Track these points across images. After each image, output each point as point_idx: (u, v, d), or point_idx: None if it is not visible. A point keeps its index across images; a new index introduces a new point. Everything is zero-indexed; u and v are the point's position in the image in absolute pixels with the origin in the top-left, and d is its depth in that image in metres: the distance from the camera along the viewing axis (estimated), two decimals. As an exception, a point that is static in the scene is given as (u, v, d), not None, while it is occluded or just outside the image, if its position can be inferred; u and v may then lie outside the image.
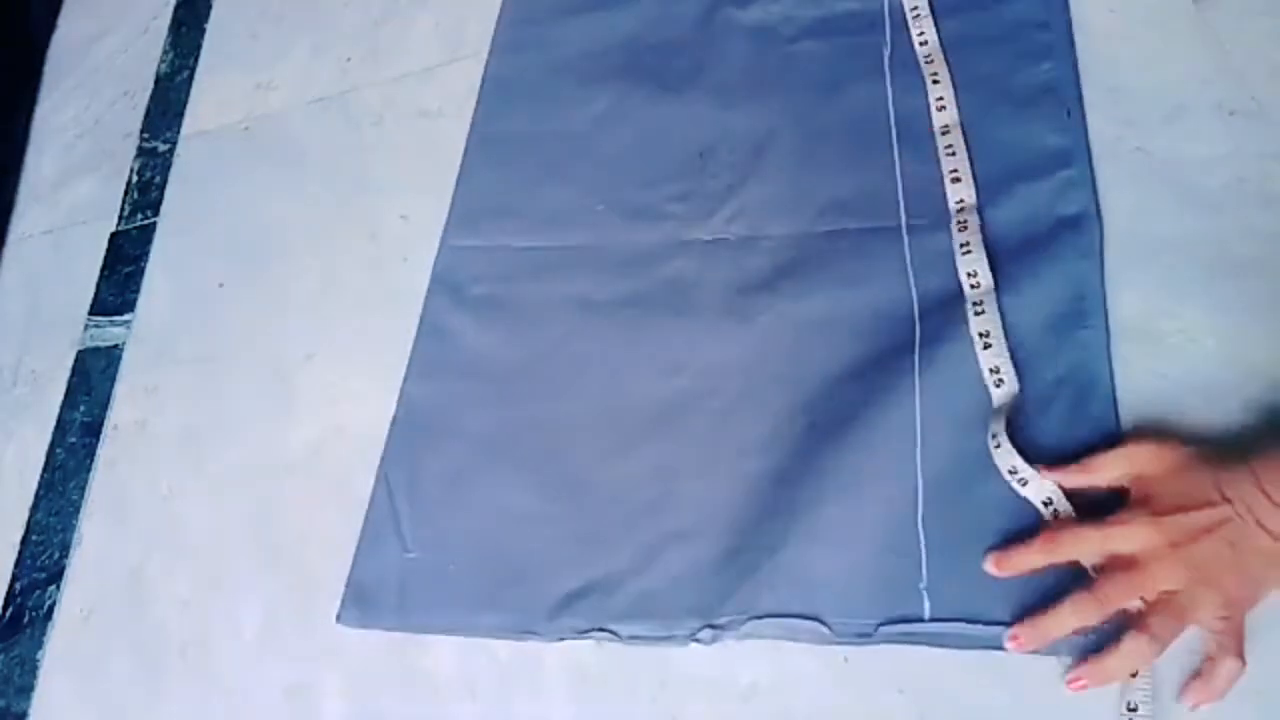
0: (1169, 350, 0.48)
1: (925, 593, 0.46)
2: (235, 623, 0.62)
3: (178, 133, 0.88)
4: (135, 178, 0.88)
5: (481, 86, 0.73)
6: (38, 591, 0.70)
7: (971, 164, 0.55)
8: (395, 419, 0.62)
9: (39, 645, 0.68)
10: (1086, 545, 0.43)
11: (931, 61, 0.59)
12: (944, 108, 0.58)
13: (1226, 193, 0.51)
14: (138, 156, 0.89)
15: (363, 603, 0.57)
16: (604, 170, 0.65)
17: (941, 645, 0.45)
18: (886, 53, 0.61)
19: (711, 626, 0.49)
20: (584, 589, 0.52)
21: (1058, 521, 0.45)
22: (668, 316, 0.59)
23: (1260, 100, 0.52)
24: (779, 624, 0.48)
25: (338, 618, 0.57)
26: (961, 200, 0.55)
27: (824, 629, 0.47)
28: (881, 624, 0.46)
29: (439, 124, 0.75)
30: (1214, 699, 0.41)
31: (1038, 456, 0.46)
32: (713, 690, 0.49)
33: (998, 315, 0.50)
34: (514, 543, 0.55)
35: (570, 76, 0.70)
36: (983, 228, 0.53)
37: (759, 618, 0.48)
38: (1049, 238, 0.52)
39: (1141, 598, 0.41)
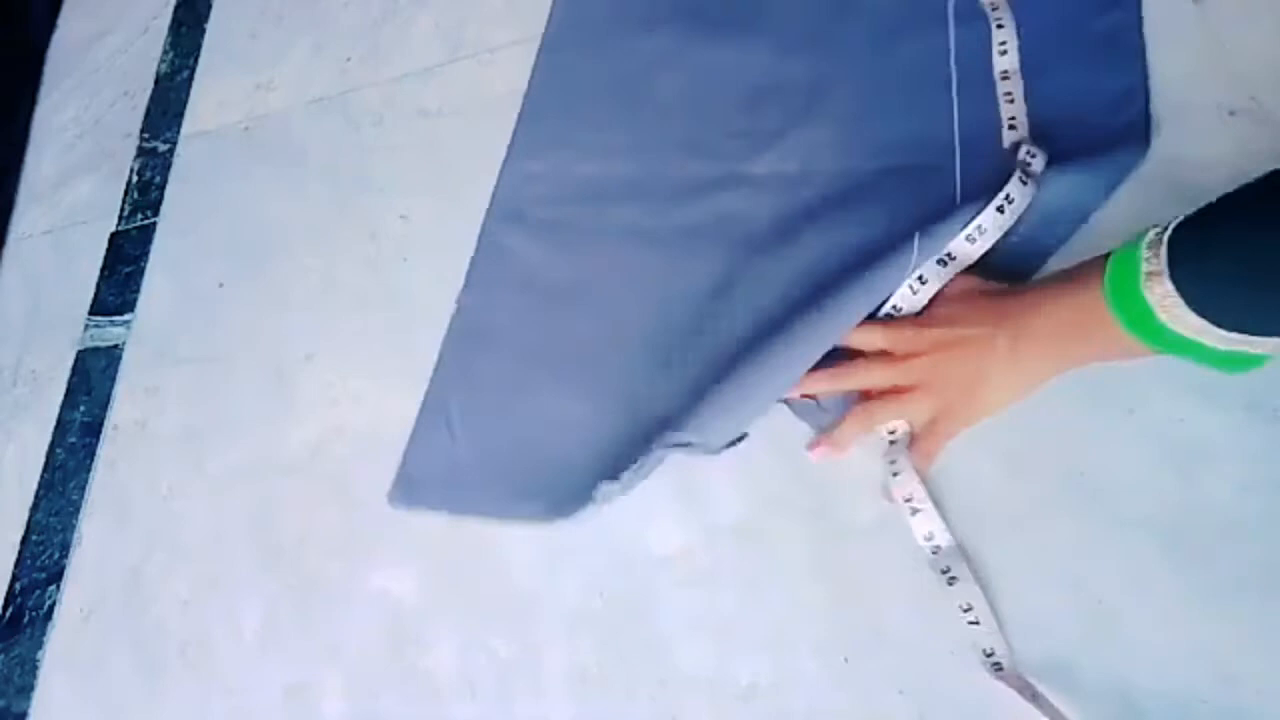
0: (1169, 350, 0.48)
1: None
2: (235, 623, 0.62)
3: (178, 133, 0.88)
4: (135, 178, 0.88)
5: (550, 16, 0.74)
6: (38, 591, 0.70)
7: (1028, 111, 0.56)
8: (451, 326, 0.65)
9: (39, 645, 0.68)
10: (866, 336, 0.50)
11: (996, 8, 0.59)
12: (1005, 52, 0.58)
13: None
14: (138, 156, 0.89)
15: (412, 487, 0.61)
16: (665, 105, 0.67)
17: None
18: (950, 1, 0.61)
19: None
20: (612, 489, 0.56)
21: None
22: (717, 247, 0.61)
23: (1260, 100, 0.51)
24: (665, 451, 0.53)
25: (388, 498, 0.61)
26: (1018, 141, 0.55)
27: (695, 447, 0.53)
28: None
29: (439, 124, 0.75)
30: (831, 451, 0.50)
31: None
32: (713, 690, 0.49)
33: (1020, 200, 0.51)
34: (553, 442, 0.59)
35: (635, 14, 0.72)
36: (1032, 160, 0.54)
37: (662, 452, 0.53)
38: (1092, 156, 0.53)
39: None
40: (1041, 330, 0.44)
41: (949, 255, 0.51)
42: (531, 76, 0.73)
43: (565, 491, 0.56)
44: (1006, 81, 0.57)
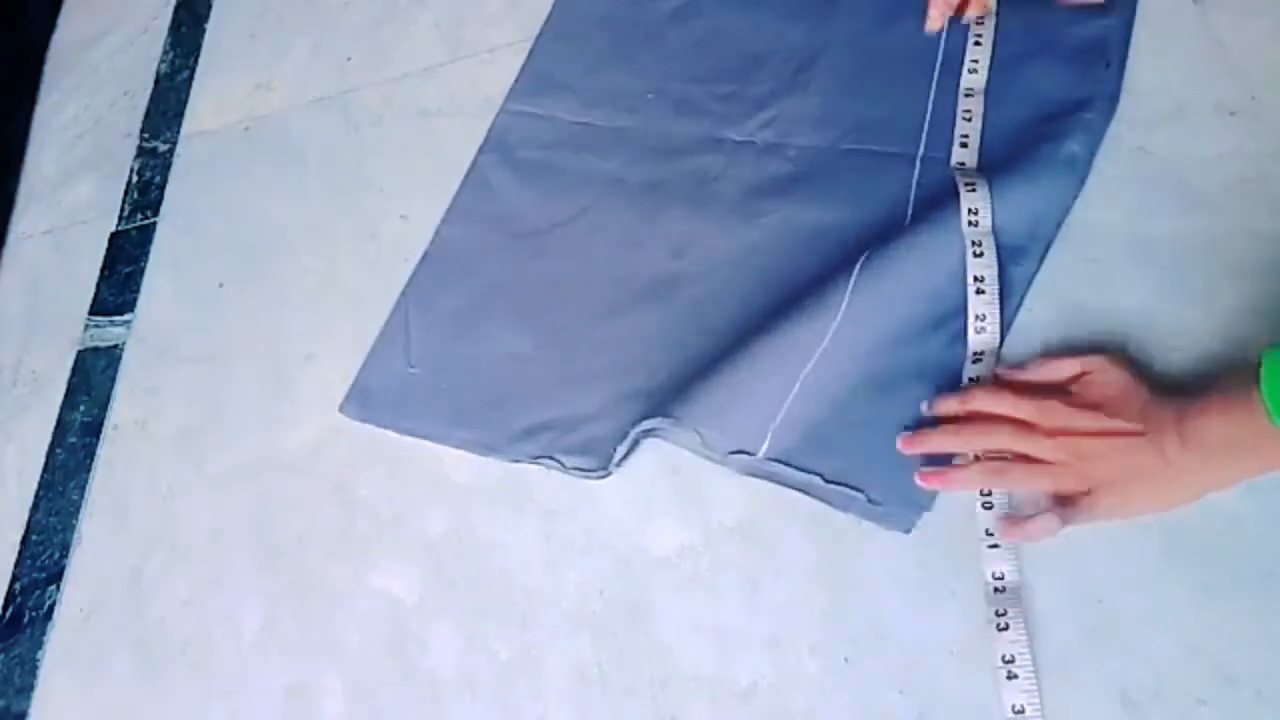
0: (1169, 351, 0.48)
1: (770, 435, 0.52)
2: (235, 622, 0.62)
3: (178, 133, 0.88)
4: (135, 178, 0.88)
5: None
6: (38, 591, 0.70)
7: (983, 134, 0.56)
8: (426, 253, 0.68)
9: (39, 645, 0.68)
10: (1009, 404, 0.47)
11: (981, 22, 0.60)
12: (975, 71, 0.59)
13: (1226, 193, 0.51)
14: (138, 156, 0.89)
15: (364, 401, 0.65)
16: (664, 62, 0.69)
17: (781, 483, 0.51)
18: None
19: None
20: (547, 424, 0.58)
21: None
22: (685, 205, 0.63)
23: (1260, 100, 0.52)
24: (666, 429, 0.54)
25: (339, 409, 0.65)
26: (962, 163, 0.56)
27: (697, 438, 0.53)
28: (732, 452, 0.52)
29: (439, 124, 0.75)
30: (1021, 539, 0.46)
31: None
32: (713, 690, 0.49)
33: (995, 260, 0.51)
34: (501, 376, 0.61)
35: None
36: (986, 175, 0.54)
37: (652, 431, 0.55)
38: (1041, 171, 0.53)
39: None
40: (1210, 444, 0.42)
41: (977, 354, 0.50)
42: (546, 21, 0.74)
43: (501, 424, 0.59)
44: (969, 99, 0.58)
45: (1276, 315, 0.47)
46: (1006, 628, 0.44)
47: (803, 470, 0.51)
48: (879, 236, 0.55)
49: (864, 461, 0.50)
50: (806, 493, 0.51)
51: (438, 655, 0.56)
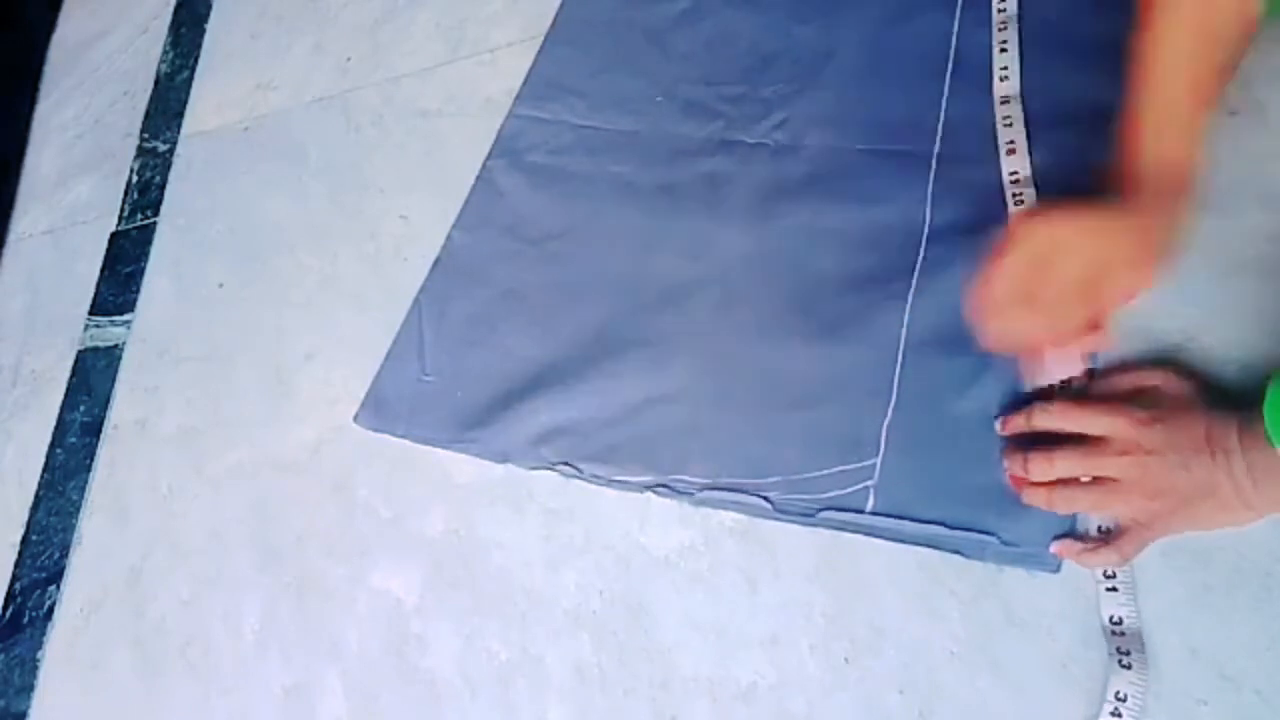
0: (1169, 351, 0.48)
1: (872, 490, 0.49)
2: (235, 622, 0.62)
3: (178, 133, 0.88)
4: (135, 178, 0.88)
5: None
6: (38, 591, 0.70)
7: (1029, 138, 0.55)
8: (438, 259, 0.68)
9: (39, 645, 0.68)
10: (1085, 419, 0.46)
11: (1004, 28, 0.60)
12: (1006, 78, 0.58)
13: (1226, 193, 0.50)
14: (138, 156, 0.89)
15: (379, 410, 0.64)
16: (672, 64, 0.69)
17: (877, 536, 0.49)
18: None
19: (667, 487, 0.54)
20: (562, 428, 0.57)
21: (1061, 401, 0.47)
22: (699, 208, 0.62)
23: (1260, 100, 0.51)
24: (727, 497, 0.52)
25: (355, 418, 0.64)
26: (1016, 173, 0.55)
27: (767, 505, 0.51)
28: (823, 510, 0.50)
29: (439, 124, 0.75)
30: (1076, 559, 0.44)
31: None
32: (713, 690, 0.49)
33: None
34: (516, 382, 0.60)
35: None
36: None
37: (710, 489, 0.53)
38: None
39: (1090, 475, 0.44)
40: (1271, 469, 0.40)
41: (1063, 383, 0.48)
42: (551, 25, 0.74)
43: (516, 430, 0.59)
44: (1006, 106, 0.57)
45: (1276, 316, 0.47)
46: (1129, 666, 0.42)
47: (922, 521, 0.48)
48: (900, 235, 0.54)
49: (987, 502, 0.47)
50: (930, 545, 0.48)
51: (438, 655, 0.56)
